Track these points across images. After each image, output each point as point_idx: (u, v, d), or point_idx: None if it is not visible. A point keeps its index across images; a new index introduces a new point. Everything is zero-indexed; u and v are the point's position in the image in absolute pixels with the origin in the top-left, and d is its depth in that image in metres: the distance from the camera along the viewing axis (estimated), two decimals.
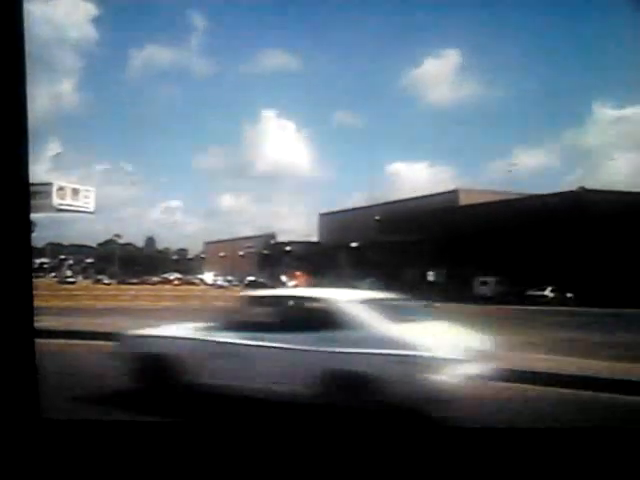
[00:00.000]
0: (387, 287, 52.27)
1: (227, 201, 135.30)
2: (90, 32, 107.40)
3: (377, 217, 55.37)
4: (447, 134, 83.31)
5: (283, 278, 63.34)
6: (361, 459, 3.29)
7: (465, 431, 3.73)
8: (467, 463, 3.22)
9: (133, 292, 38.79)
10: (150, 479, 3.12)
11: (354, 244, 58.72)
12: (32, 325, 3.04)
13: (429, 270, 50.02)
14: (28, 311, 3.02)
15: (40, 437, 3.13)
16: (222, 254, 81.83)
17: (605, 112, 74.19)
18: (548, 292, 44.12)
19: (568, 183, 72.93)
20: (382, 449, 3.35)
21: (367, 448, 3.39)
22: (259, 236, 79.04)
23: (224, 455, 3.29)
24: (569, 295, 42.32)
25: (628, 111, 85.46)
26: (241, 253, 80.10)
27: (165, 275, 75.66)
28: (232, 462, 3.24)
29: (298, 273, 24.66)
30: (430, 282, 48.75)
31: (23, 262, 3.02)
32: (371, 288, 56.71)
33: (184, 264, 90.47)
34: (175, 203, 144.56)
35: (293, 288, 23.00)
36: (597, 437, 3.49)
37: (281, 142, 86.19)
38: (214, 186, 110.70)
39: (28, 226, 3.04)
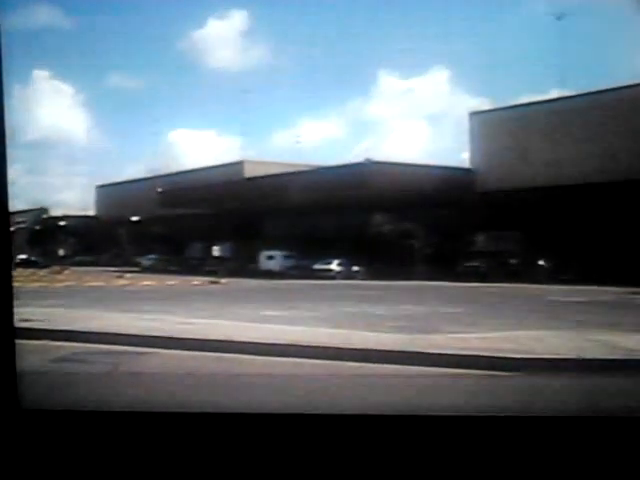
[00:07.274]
0: (170, 262, 50.59)
1: None
2: None
3: (159, 189, 52.99)
4: (234, 102, 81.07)
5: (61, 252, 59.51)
6: None
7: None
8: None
9: None
10: (137, 471, 2.81)
11: (135, 218, 56.51)
12: (11, 317, 2.83)
13: (215, 245, 48.81)
14: (7, 303, 2.82)
15: (21, 429, 2.85)
16: None
17: (391, 82, 75.80)
18: (334, 266, 44.50)
19: (355, 155, 74.17)
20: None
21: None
22: (30, 210, 71.82)
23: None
24: (355, 269, 42.96)
25: (413, 82, 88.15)
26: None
27: None
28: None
29: None
30: (216, 257, 47.73)
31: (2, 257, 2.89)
32: (153, 264, 54.97)
33: None
34: None
35: None
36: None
37: (54, 106, 79.46)
38: None
39: (7, 222, 2.94)
